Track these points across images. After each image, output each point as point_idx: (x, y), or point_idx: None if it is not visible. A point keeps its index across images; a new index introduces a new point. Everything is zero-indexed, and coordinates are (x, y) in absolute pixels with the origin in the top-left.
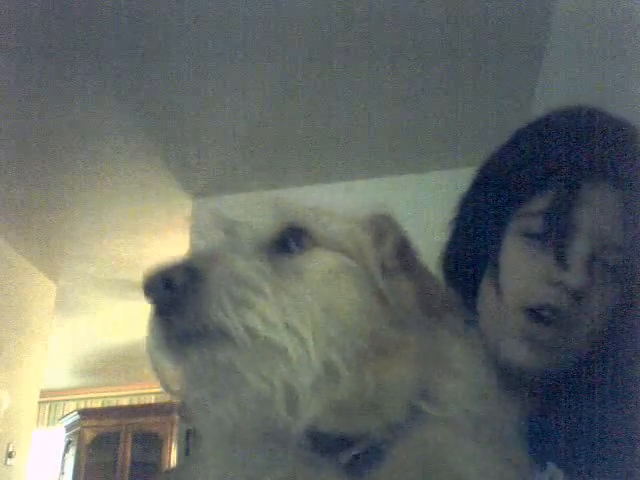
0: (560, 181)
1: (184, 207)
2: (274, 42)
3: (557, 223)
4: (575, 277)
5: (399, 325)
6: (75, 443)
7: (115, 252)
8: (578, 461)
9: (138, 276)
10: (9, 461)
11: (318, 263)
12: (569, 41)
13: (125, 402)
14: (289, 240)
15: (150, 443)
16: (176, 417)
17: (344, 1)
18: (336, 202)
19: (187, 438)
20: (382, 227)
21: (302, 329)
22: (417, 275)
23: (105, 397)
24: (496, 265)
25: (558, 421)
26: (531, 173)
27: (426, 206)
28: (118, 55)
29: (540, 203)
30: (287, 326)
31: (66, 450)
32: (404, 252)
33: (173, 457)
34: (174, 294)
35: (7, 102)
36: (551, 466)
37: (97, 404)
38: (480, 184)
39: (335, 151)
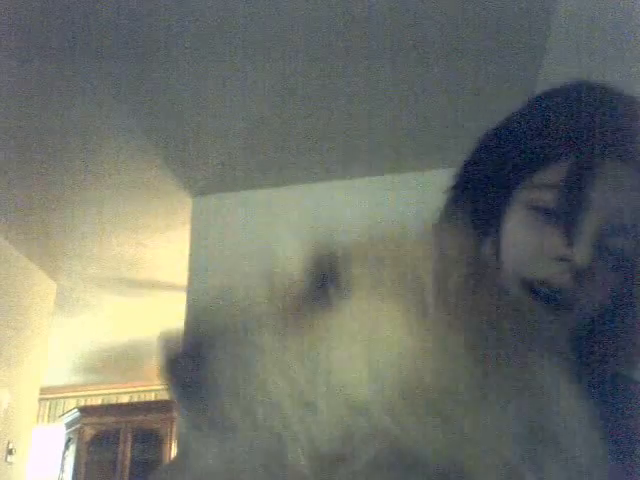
0: (577, 154)
1: (184, 206)
2: (274, 42)
3: (569, 198)
4: (581, 254)
5: (479, 364)
6: (75, 440)
7: (115, 251)
8: None
9: (138, 275)
10: (9, 458)
11: (358, 317)
12: (569, 41)
13: (125, 400)
14: (324, 284)
15: (150, 441)
16: (176, 415)
17: (344, 1)
18: (336, 200)
19: None
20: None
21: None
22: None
23: (105, 394)
24: (497, 235)
25: None
26: (546, 142)
27: (427, 204)
28: (118, 55)
29: (552, 175)
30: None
31: (66, 447)
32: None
33: (173, 455)
34: (184, 380)
35: (7, 102)
36: None
37: (97, 401)
38: (488, 149)
39: (335, 150)
